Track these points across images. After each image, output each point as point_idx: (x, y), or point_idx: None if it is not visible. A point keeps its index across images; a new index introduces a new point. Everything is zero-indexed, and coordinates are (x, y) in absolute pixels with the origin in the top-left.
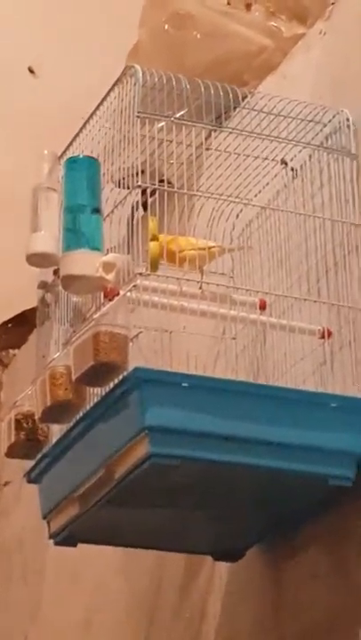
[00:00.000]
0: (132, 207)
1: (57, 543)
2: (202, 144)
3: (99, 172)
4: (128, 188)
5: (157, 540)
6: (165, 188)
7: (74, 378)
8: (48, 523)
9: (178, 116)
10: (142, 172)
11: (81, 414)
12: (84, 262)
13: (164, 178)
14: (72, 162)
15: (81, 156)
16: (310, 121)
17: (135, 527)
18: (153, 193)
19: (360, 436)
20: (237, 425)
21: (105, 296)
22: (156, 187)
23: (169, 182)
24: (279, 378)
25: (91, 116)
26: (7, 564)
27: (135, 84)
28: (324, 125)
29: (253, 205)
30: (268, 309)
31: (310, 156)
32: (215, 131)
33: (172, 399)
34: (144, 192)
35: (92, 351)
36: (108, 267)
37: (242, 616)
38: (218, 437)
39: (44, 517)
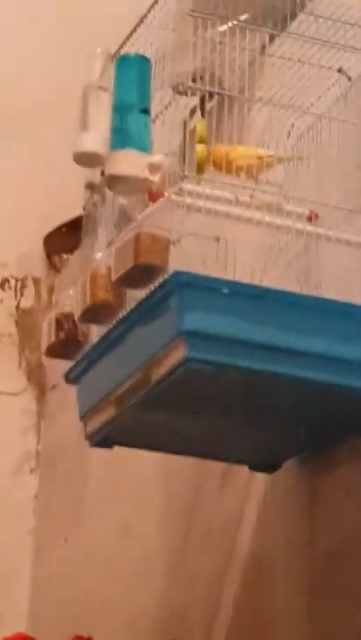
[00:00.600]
0: (190, 111)
1: (93, 444)
2: (262, 49)
3: (149, 71)
4: (184, 93)
5: (194, 446)
6: (223, 92)
7: (114, 279)
8: (85, 424)
9: (242, 19)
10: (200, 77)
11: (120, 316)
12: (129, 162)
13: (225, 85)
14: (123, 60)
15: (132, 55)
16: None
17: (172, 432)
18: (210, 99)
19: None
20: (276, 334)
21: (150, 198)
22: (214, 90)
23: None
24: (327, 290)
25: (145, 16)
26: (51, 469)
27: None
28: None
29: (309, 114)
30: (318, 221)
31: None
32: (275, 37)
33: (211, 305)
34: (203, 98)
35: (133, 252)
36: (154, 168)
37: (276, 527)
38: (256, 346)
39: (81, 418)
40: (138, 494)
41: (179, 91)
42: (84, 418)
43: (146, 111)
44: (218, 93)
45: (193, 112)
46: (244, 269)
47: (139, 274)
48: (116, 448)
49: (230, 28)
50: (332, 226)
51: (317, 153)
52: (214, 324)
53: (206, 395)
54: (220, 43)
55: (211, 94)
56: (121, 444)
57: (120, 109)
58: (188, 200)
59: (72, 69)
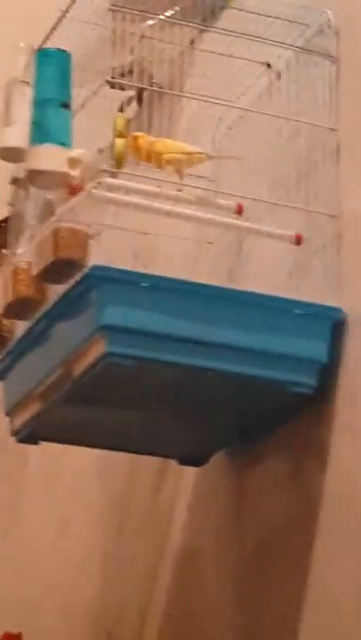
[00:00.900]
0: (121, 104)
1: (19, 440)
2: (191, 43)
3: (69, 66)
4: (117, 87)
5: (122, 441)
6: (153, 87)
7: (34, 273)
8: (11, 420)
9: (169, 14)
10: (130, 72)
11: (42, 311)
12: (49, 157)
13: (155, 79)
14: (42, 55)
15: (52, 49)
16: (294, 22)
17: (98, 427)
18: (142, 94)
19: (323, 344)
20: (197, 327)
21: (70, 192)
22: (143, 86)
23: (157, 83)
24: (252, 283)
25: (67, 10)
26: None
27: None
28: (307, 27)
29: (234, 107)
30: (245, 214)
31: (294, 59)
32: (202, 31)
33: (130, 299)
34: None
35: (52, 247)
36: (73, 162)
37: (206, 521)
38: (177, 339)
39: (7, 414)
40: (75, 489)
41: (112, 85)
42: (10, 413)
43: (66, 105)
44: (146, 88)
45: (122, 107)
46: (173, 263)
47: (59, 268)
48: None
49: (160, 22)
50: (258, 219)
51: (244, 146)
52: (134, 318)
53: (129, 389)
54: (149, 37)
55: (141, 89)
56: (48, 439)
57: (40, 104)
58: (108, 194)
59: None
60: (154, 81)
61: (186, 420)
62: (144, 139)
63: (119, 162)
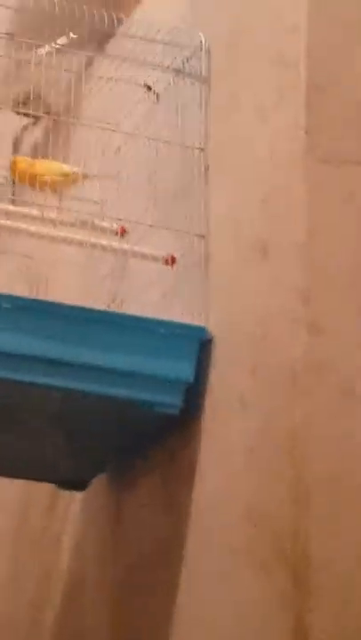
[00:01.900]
0: (20, 132)
1: None
2: (86, 69)
3: None
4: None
5: None
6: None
7: None
8: None
9: (62, 42)
10: (28, 99)
11: None
12: None
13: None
14: None
15: None
16: (171, 45)
17: None
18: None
19: (189, 364)
20: (59, 348)
21: None
22: (39, 114)
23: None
24: (132, 305)
25: None
26: None
27: None
28: (182, 49)
29: (113, 131)
30: (126, 236)
31: (171, 81)
32: (93, 57)
33: None
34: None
35: None
36: None
37: (88, 547)
38: (38, 360)
39: None
40: None
41: (19, 113)
42: None
43: None
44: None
45: (20, 134)
46: (65, 288)
47: None
48: None
49: (54, 49)
50: (139, 240)
51: (126, 169)
52: None
53: None
54: (44, 65)
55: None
56: None
57: None
58: None
59: None
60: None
61: (58, 443)
62: (25, 162)
63: None
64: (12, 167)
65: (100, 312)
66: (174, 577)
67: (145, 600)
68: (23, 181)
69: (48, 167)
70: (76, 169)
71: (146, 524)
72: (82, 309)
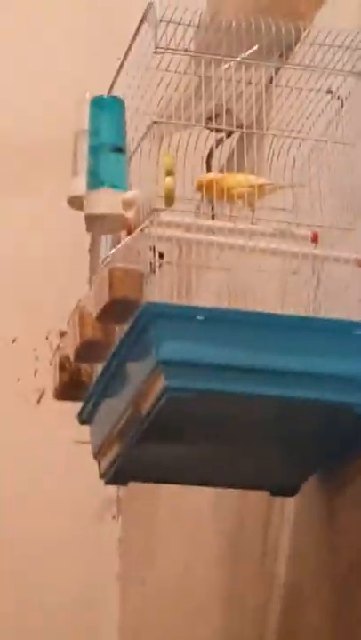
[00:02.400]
0: (211, 147)
1: (106, 482)
2: (270, 81)
3: (123, 111)
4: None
5: (207, 475)
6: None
7: (94, 316)
8: (98, 462)
9: (245, 55)
10: (217, 115)
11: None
12: (102, 201)
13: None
14: (96, 102)
15: (105, 97)
16: (351, 48)
17: (179, 463)
18: (229, 134)
19: None
20: (255, 356)
21: (128, 234)
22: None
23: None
24: (330, 310)
25: (126, 56)
26: (131, 514)
27: (153, 20)
28: None
29: (303, 139)
30: (321, 242)
31: (355, 85)
32: (280, 68)
33: (186, 333)
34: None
35: (107, 288)
36: (127, 204)
37: (304, 553)
38: (235, 369)
39: (95, 457)
40: (195, 530)
41: (209, 128)
42: (97, 456)
43: (119, 150)
44: (238, 131)
45: (212, 149)
46: (261, 298)
47: (116, 309)
48: (177, 487)
49: (236, 64)
50: (331, 245)
51: (316, 176)
52: (191, 351)
53: (197, 422)
54: (229, 79)
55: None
56: (135, 479)
57: (94, 151)
58: (160, 231)
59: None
60: (240, 122)
61: (264, 449)
62: (211, 178)
63: (169, 199)
64: (199, 186)
65: (294, 318)
66: None
67: None
68: (211, 193)
69: (237, 180)
70: (264, 180)
71: (359, 523)
72: (276, 316)
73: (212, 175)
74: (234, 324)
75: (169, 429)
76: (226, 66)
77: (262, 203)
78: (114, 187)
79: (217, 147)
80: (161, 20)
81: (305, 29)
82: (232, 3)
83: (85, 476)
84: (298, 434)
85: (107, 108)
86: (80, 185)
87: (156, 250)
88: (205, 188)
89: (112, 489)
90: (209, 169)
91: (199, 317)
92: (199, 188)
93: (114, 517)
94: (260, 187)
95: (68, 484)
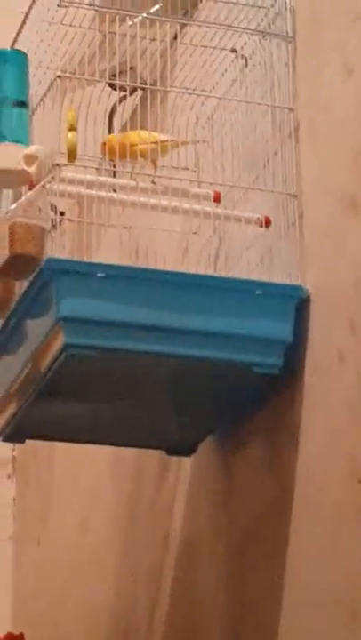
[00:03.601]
0: (114, 104)
1: (4, 439)
2: (174, 38)
3: (26, 65)
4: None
5: (106, 435)
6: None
7: None
8: None
9: (150, 12)
10: (121, 72)
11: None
12: (4, 155)
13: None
14: None
15: (7, 50)
16: (256, 6)
17: (79, 422)
18: (132, 91)
19: (287, 324)
20: (155, 314)
21: (29, 189)
22: (139, 86)
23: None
24: (231, 270)
25: (30, 10)
26: (26, 473)
27: None
28: (268, 10)
29: (206, 97)
30: (222, 201)
31: (258, 43)
32: (183, 25)
33: (87, 290)
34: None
35: (8, 243)
36: (29, 159)
37: (200, 512)
38: (136, 327)
39: None
40: (93, 489)
41: (112, 86)
42: None
43: (22, 104)
44: (143, 88)
45: (115, 106)
46: (162, 256)
47: (17, 264)
48: (73, 446)
49: (144, 19)
50: (233, 205)
51: (221, 134)
52: (91, 308)
53: (98, 381)
54: (134, 36)
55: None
56: (33, 437)
57: None
58: (62, 187)
59: None
60: (144, 79)
61: (163, 408)
62: (115, 137)
63: (71, 154)
64: (103, 147)
65: (196, 276)
66: (284, 537)
67: (258, 562)
68: (115, 156)
69: (141, 137)
70: (167, 136)
71: (255, 485)
72: (178, 274)
73: (115, 136)
74: (135, 281)
75: (67, 387)
76: (130, 22)
77: (165, 161)
78: (16, 141)
79: (120, 103)
80: None
81: None
82: None
83: None
84: (195, 393)
85: (10, 61)
86: None
87: (57, 207)
88: (109, 151)
89: (7, 449)
90: (111, 125)
91: (100, 274)
92: (102, 149)
93: (9, 477)
94: (163, 143)
95: None
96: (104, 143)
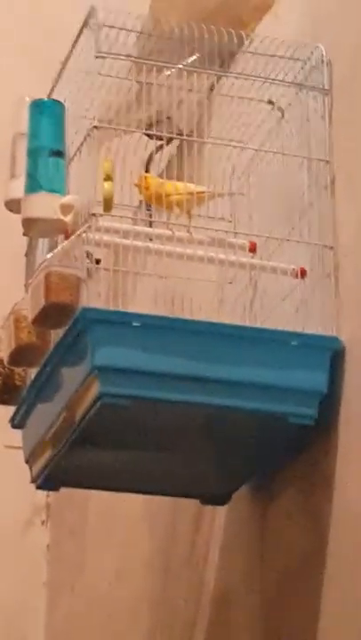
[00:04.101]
0: (151, 152)
1: (38, 487)
2: (210, 89)
3: (63, 115)
4: (151, 137)
5: (139, 483)
6: (184, 136)
7: (30, 320)
8: (30, 467)
9: (187, 62)
10: (158, 122)
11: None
12: (40, 205)
13: (181, 128)
14: (35, 105)
15: (45, 100)
16: (292, 59)
17: (113, 470)
18: (169, 141)
19: (322, 374)
20: (191, 364)
21: (65, 238)
22: (175, 136)
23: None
24: (267, 320)
25: (67, 60)
26: (60, 520)
27: (95, 24)
28: (305, 63)
29: (242, 148)
30: (258, 252)
31: (295, 95)
32: (220, 76)
33: (122, 339)
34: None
35: (44, 292)
36: (65, 208)
37: (234, 561)
38: (171, 377)
39: (27, 461)
40: (128, 537)
41: (149, 136)
42: (29, 461)
43: (58, 154)
44: (179, 138)
45: (152, 155)
46: (198, 306)
47: (52, 313)
48: (108, 494)
49: (180, 70)
50: (269, 256)
51: (257, 185)
52: (126, 357)
53: (133, 430)
54: (170, 86)
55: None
56: (67, 485)
57: (32, 154)
58: (98, 236)
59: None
60: (180, 129)
61: (198, 458)
62: (155, 180)
63: (107, 204)
64: (140, 184)
65: (232, 326)
66: (319, 590)
67: (292, 615)
68: (151, 201)
69: (175, 187)
70: (203, 188)
71: (289, 536)
72: (214, 324)
73: (151, 177)
74: (170, 331)
75: (102, 435)
76: (167, 73)
77: (201, 211)
78: (52, 191)
79: (156, 153)
80: (103, 25)
81: (247, 38)
82: (175, 9)
83: (16, 482)
84: (230, 443)
85: (46, 111)
86: (18, 188)
87: (92, 255)
88: (145, 190)
89: (42, 495)
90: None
91: (135, 323)
92: (139, 184)
93: (43, 523)
94: (199, 194)
95: None
96: (142, 177)
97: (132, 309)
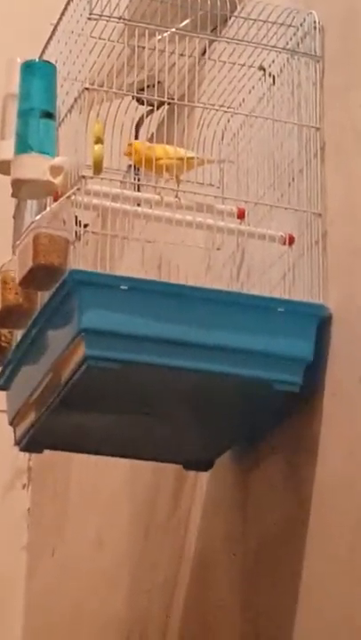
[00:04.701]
0: (141, 116)
1: (21, 449)
2: (202, 54)
3: (54, 77)
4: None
5: (123, 447)
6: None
7: (17, 281)
8: (14, 429)
9: (179, 27)
10: (148, 86)
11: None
12: (30, 166)
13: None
14: (26, 66)
15: (36, 61)
16: (285, 25)
17: (97, 433)
18: (159, 106)
19: (308, 342)
20: (177, 328)
21: (54, 200)
22: (167, 100)
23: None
24: (254, 286)
25: (59, 22)
26: (42, 483)
27: None
28: (297, 29)
29: (233, 113)
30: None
31: (286, 61)
32: (212, 41)
33: (110, 302)
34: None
35: (32, 254)
36: (55, 170)
37: (216, 526)
38: (157, 341)
39: (11, 423)
40: (109, 502)
41: (139, 100)
42: (13, 423)
43: (49, 115)
44: (170, 102)
45: (142, 119)
46: (185, 271)
47: (39, 275)
48: (90, 458)
49: (172, 35)
50: (258, 222)
51: (247, 151)
52: (113, 320)
53: (118, 393)
54: (162, 50)
55: (161, 102)
56: (50, 447)
57: (23, 115)
58: (87, 199)
59: None
60: (171, 94)
61: (182, 423)
62: (143, 145)
63: (97, 167)
64: (130, 150)
65: (219, 292)
66: (299, 555)
67: (273, 579)
68: (140, 164)
69: (165, 151)
70: (192, 153)
71: (271, 502)
72: (201, 289)
73: (141, 143)
74: (157, 295)
75: (87, 398)
76: (159, 37)
77: (189, 177)
78: (42, 152)
79: (147, 117)
80: None
81: (240, 3)
82: None
83: None
84: (215, 408)
85: (38, 72)
86: (7, 149)
87: (80, 220)
88: (135, 154)
89: (23, 459)
90: (137, 137)
91: (123, 287)
92: (129, 152)
93: (24, 487)
94: (189, 160)
95: None
96: (130, 145)
97: (119, 273)
